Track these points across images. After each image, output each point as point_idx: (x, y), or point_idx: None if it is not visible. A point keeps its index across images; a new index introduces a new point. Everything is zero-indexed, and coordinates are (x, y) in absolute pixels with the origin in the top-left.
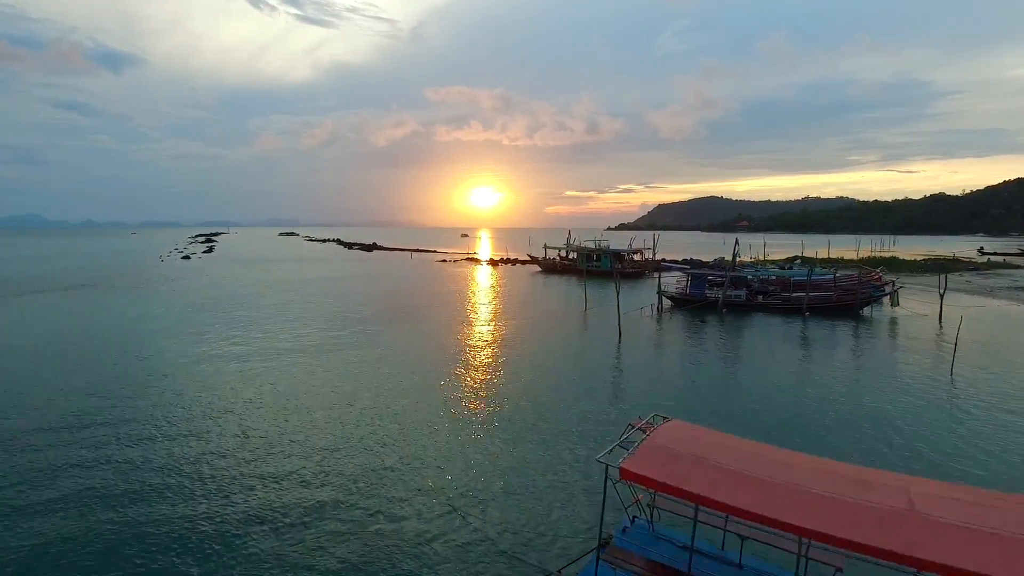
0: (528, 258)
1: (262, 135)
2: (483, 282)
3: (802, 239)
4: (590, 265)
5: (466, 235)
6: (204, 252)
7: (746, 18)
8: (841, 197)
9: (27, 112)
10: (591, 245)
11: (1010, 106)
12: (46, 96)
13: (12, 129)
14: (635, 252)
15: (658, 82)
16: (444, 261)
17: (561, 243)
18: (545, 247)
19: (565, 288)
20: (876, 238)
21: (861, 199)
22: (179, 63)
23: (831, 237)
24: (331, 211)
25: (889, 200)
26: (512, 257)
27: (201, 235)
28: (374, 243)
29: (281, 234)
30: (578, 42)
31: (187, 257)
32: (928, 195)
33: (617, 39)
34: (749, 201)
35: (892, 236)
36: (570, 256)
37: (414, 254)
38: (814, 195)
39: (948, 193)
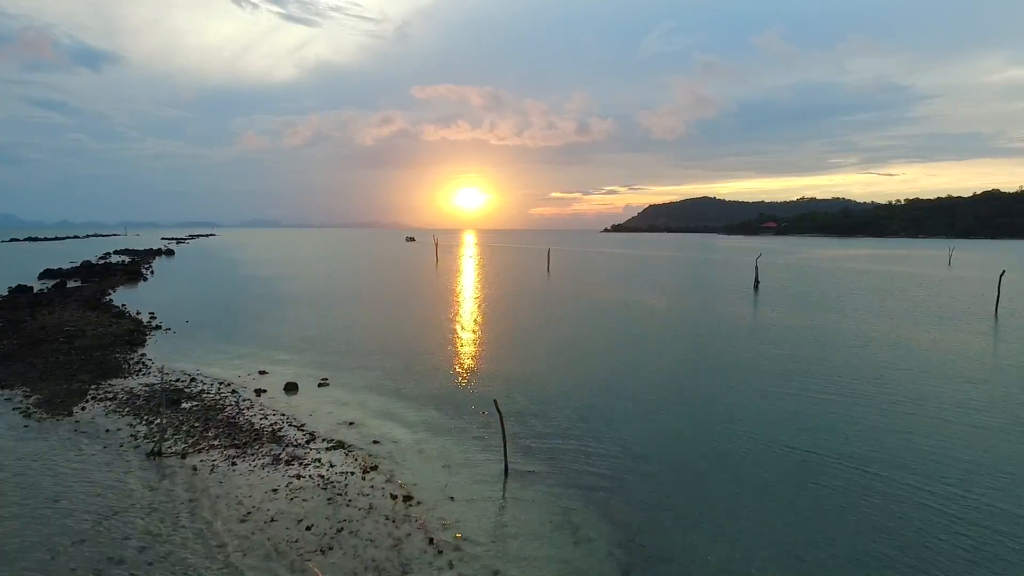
0: None
1: (245, 135)
2: None
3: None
4: None
5: (412, 239)
6: None
7: (735, 19)
8: (837, 198)
9: (1, 109)
10: None
11: (987, 111)
12: (21, 93)
13: None
14: None
15: (647, 82)
16: None
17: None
18: None
19: None
20: (966, 243)
21: (858, 201)
22: (159, 61)
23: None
24: (315, 212)
25: (924, 200)
26: None
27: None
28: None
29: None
30: (569, 40)
31: None
32: (979, 192)
33: (609, 37)
34: (745, 202)
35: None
36: None
37: None
38: (801, 197)
39: (1004, 190)
